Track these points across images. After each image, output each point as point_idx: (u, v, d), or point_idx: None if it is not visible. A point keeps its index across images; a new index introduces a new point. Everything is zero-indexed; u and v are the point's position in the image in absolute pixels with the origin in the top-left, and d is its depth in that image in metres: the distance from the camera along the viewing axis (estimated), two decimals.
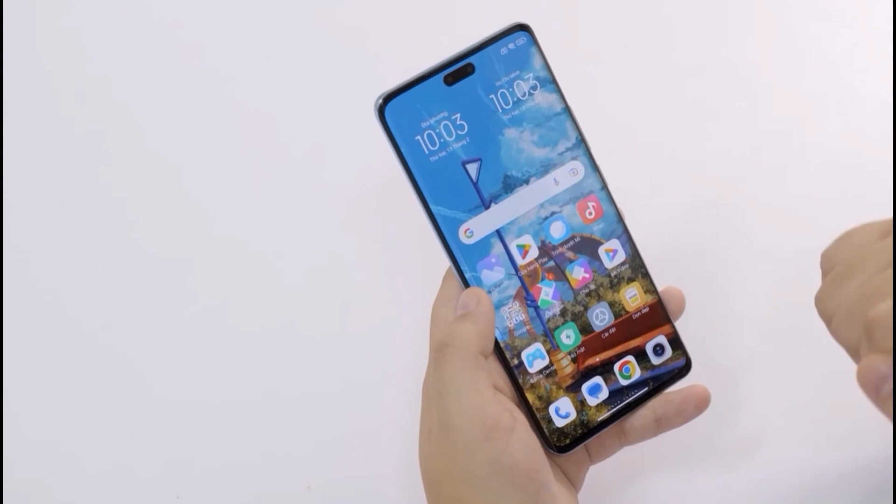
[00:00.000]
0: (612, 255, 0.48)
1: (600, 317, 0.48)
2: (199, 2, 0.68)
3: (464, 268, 0.46)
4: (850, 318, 0.38)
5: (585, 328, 0.47)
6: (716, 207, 0.60)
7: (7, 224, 0.62)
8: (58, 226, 0.62)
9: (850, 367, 0.56)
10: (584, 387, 0.47)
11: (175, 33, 0.68)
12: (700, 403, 0.47)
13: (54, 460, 0.55)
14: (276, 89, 0.65)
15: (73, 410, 0.56)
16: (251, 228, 0.61)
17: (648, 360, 0.48)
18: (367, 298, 0.58)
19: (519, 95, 0.46)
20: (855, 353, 0.39)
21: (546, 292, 0.47)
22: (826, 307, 0.40)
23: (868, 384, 0.36)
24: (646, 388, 0.48)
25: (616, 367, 0.48)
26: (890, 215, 0.41)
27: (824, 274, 0.41)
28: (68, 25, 0.68)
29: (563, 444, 0.46)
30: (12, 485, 0.54)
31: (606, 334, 0.48)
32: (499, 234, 0.46)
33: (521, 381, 0.46)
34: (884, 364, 0.35)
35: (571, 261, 0.47)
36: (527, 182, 0.46)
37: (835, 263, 0.40)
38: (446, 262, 0.46)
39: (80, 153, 0.64)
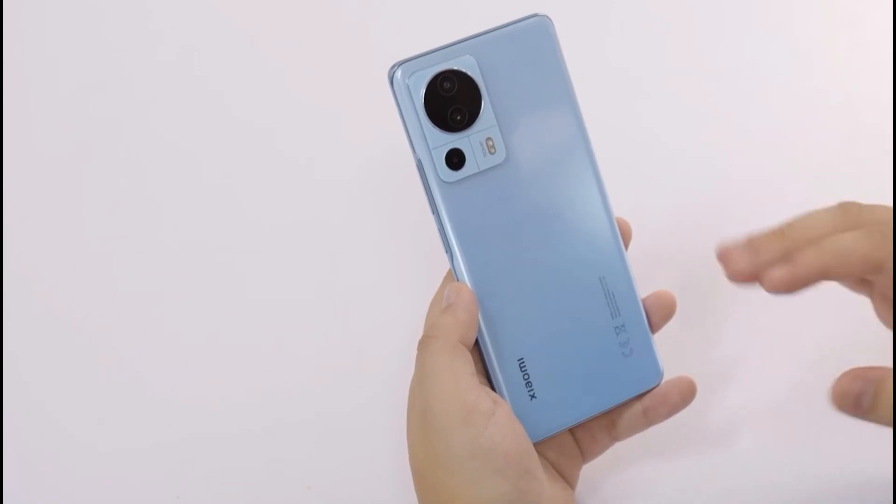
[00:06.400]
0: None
1: None
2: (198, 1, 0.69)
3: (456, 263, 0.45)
4: None
5: None
6: (715, 208, 0.60)
7: (7, 224, 0.62)
8: (60, 226, 0.62)
9: (840, 367, 0.56)
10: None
11: (166, 32, 0.68)
12: (685, 393, 0.47)
13: (53, 461, 0.55)
14: (275, 90, 0.65)
15: (71, 411, 0.56)
16: (249, 230, 0.61)
17: None
18: (367, 300, 0.58)
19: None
20: None
21: None
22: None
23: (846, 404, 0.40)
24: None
25: None
26: None
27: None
28: (67, 27, 0.68)
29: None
30: (12, 485, 0.54)
31: None
32: None
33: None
34: (852, 381, 0.40)
35: None
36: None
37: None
38: (446, 265, 0.46)
39: (94, 144, 0.64)
